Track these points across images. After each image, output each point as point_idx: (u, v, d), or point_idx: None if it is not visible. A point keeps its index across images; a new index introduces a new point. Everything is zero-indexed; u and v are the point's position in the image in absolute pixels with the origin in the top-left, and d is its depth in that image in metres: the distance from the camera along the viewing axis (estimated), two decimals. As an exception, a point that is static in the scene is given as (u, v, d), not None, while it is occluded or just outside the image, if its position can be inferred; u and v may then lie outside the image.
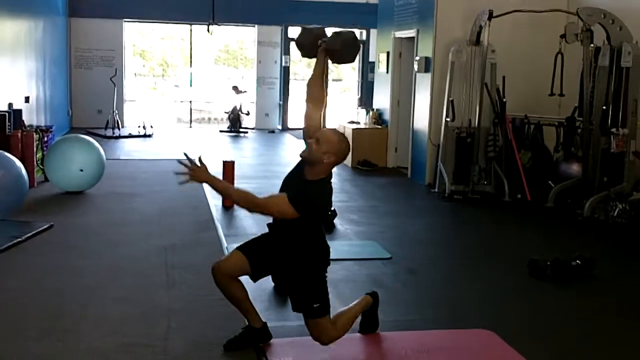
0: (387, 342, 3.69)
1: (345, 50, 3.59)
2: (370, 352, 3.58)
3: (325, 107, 3.62)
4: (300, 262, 3.38)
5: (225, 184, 3.43)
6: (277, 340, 3.59)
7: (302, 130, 3.55)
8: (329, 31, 3.68)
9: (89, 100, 13.77)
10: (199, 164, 3.22)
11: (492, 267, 5.35)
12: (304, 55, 3.81)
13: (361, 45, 3.64)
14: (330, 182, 3.38)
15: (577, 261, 4.94)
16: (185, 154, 3.24)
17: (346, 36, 3.61)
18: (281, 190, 3.36)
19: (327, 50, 3.56)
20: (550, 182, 7.71)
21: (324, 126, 3.55)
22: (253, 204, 3.26)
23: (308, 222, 3.29)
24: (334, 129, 3.46)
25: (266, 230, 3.54)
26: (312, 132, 3.38)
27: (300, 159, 3.40)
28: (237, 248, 3.49)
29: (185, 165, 3.17)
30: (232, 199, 3.42)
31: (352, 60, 3.84)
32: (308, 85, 3.57)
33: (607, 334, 4.02)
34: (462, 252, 5.86)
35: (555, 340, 3.88)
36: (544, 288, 4.78)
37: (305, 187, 3.28)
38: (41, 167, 7.75)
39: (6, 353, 3.35)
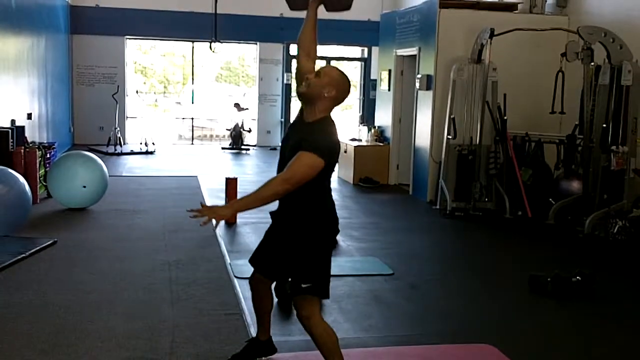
0: (389, 357, 3.71)
1: None
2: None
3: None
4: (303, 233, 3.12)
5: (246, 197, 3.00)
6: (281, 355, 3.61)
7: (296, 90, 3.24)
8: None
9: (90, 117, 13.84)
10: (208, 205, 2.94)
11: (493, 283, 5.38)
12: (292, 8, 3.52)
13: None
14: (333, 121, 3.10)
15: (578, 277, 4.96)
16: (200, 203, 2.96)
17: None
18: (281, 155, 3.14)
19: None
20: (550, 199, 7.75)
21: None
22: (282, 181, 2.92)
23: (320, 176, 2.97)
24: (335, 66, 3.19)
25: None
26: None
27: (292, 122, 3.22)
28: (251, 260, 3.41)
29: (201, 215, 2.86)
30: (266, 197, 2.94)
31: (349, 7, 3.45)
32: (300, 38, 3.33)
33: (607, 348, 4.05)
34: (463, 268, 5.88)
35: (555, 355, 3.90)
36: (545, 304, 4.81)
37: (314, 130, 3.00)
38: (44, 183, 7.80)
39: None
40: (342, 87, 3.10)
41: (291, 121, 3.46)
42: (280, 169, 3.11)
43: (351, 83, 3.14)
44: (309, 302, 3.10)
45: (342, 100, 3.12)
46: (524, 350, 3.90)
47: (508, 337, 4.13)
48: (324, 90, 3.03)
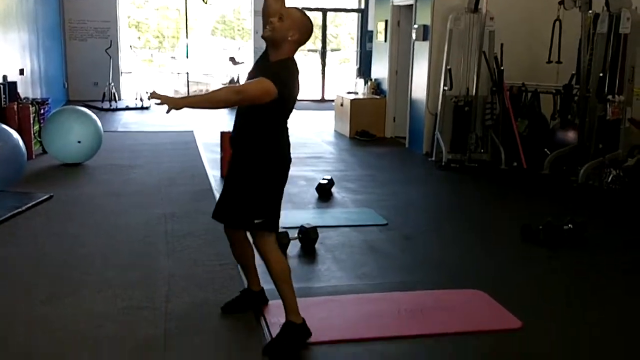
0: (382, 303, 3.76)
1: None
2: (366, 311, 3.64)
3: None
4: (254, 169, 3.19)
5: (201, 95, 3.16)
6: (276, 302, 3.64)
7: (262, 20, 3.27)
8: None
9: (85, 73, 13.73)
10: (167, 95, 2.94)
11: (486, 232, 5.41)
12: None
13: None
14: (296, 63, 3.20)
15: (569, 225, 4.99)
16: (153, 91, 2.92)
17: None
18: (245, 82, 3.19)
19: None
20: (546, 149, 7.76)
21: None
22: (234, 92, 3.04)
23: (275, 110, 3.10)
24: (295, 7, 3.22)
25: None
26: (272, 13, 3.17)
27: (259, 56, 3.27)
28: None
29: (157, 98, 2.88)
30: (215, 99, 3.02)
31: None
32: None
33: (597, 294, 4.09)
34: (457, 218, 5.92)
35: (545, 300, 3.95)
36: (537, 251, 4.85)
37: (276, 66, 3.11)
38: (39, 139, 7.78)
39: (14, 316, 3.42)
40: (304, 30, 3.17)
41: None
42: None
43: (313, 24, 3.22)
44: (263, 236, 3.24)
45: (305, 42, 3.21)
46: (514, 296, 3.95)
47: (498, 283, 4.17)
48: (287, 33, 3.10)
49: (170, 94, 3.01)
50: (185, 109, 2.95)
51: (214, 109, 3.13)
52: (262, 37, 3.16)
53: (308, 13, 3.31)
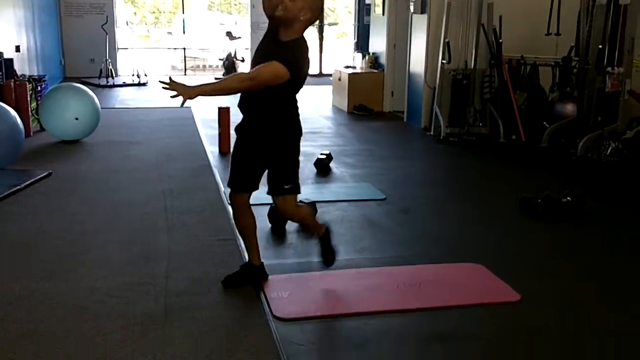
0: (381, 276, 3.78)
1: None
2: (364, 285, 3.66)
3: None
4: (275, 141, 3.36)
5: (213, 83, 3.24)
6: (275, 277, 3.68)
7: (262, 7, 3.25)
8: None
9: (81, 49, 13.66)
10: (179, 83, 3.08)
11: (485, 206, 5.43)
12: None
13: None
14: (306, 41, 3.27)
15: (568, 198, 5.00)
16: (170, 79, 3.09)
17: None
18: (253, 63, 3.23)
19: None
20: (545, 122, 7.75)
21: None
22: (247, 78, 3.14)
23: (284, 90, 3.20)
24: None
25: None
26: None
27: (266, 30, 3.30)
28: (233, 189, 3.51)
29: (171, 88, 3.03)
30: (228, 87, 3.19)
31: None
32: None
33: (596, 266, 4.11)
34: (456, 192, 5.93)
35: (543, 272, 3.97)
36: (535, 225, 4.87)
37: (289, 47, 3.16)
38: (36, 116, 7.76)
39: (13, 292, 3.43)
40: (315, 8, 3.22)
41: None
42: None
43: (324, 2, 3.27)
44: (290, 199, 3.45)
45: (315, 21, 3.30)
46: (512, 269, 3.96)
47: (497, 256, 4.19)
48: (300, 13, 3.14)
49: (170, 72, 3.01)
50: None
51: (227, 95, 3.27)
52: (273, 15, 3.16)
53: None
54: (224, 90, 3.25)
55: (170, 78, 2.99)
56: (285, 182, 3.40)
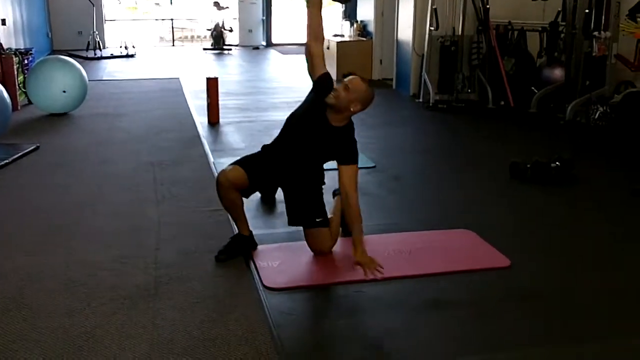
0: (371, 244, 3.77)
1: None
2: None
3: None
4: (308, 184, 3.63)
5: (357, 233, 3.43)
6: (265, 246, 3.70)
7: (307, 71, 3.57)
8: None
9: (68, 22, 13.50)
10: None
11: (474, 171, 5.45)
12: None
13: None
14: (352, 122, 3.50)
15: (557, 163, 5.03)
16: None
17: None
18: (288, 124, 3.55)
19: None
20: (533, 87, 7.75)
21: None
22: (357, 197, 3.45)
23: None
24: (362, 77, 3.45)
25: (252, 144, 3.62)
26: (317, 69, 3.46)
27: (308, 94, 3.52)
28: (237, 163, 3.58)
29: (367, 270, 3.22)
30: (358, 210, 3.47)
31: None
32: (307, 24, 3.51)
33: (585, 229, 4.16)
34: (446, 159, 5.95)
35: (533, 237, 4.01)
36: (524, 189, 4.90)
37: (344, 137, 3.43)
38: (23, 90, 7.70)
39: (3, 267, 3.43)
40: (367, 101, 3.43)
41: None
42: (284, 139, 3.59)
43: (374, 91, 3.48)
44: (322, 232, 3.60)
45: (364, 109, 3.47)
46: (502, 234, 4.00)
47: (487, 221, 4.22)
48: (350, 104, 3.36)
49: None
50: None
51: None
52: (326, 102, 3.35)
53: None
54: (360, 214, 3.47)
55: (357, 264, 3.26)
56: (316, 216, 3.57)
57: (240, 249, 3.61)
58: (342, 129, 3.45)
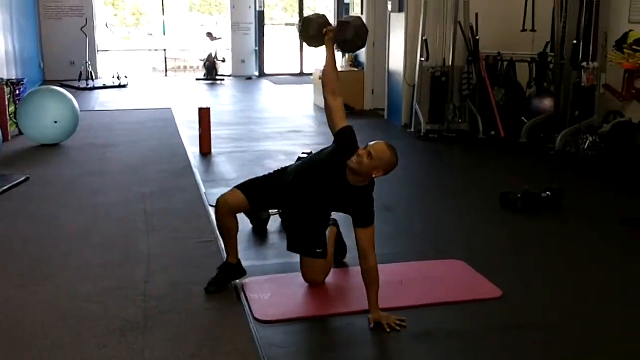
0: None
1: (356, 37, 3.56)
2: (347, 284, 3.68)
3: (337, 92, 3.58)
4: (314, 220, 3.62)
5: (372, 295, 3.29)
6: (256, 278, 3.69)
7: (327, 125, 3.58)
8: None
9: (60, 52, 13.54)
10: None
11: (465, 201, 5.46)
12: (309, 45, 3.78)
13: (368, 30, 3.67)
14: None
15: (547, 192, 5.05)
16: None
17: (355, 23, 3.56)
18: (306, 168, 3.52)
19: (337, 40, 3.55)
20: (523, 117, 7.79)
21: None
22: (375, 257, 3.34)
23: None
24: (386, 142, 3.35)
25: (244, 174, 3.63)
26: (337, 122, 3.45)
27: (332, 143, 3.48)
28: (239, 186, 3.58)
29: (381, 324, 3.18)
30: (377, 274, 3.33)
31: (363, 46, 3.78)
32: (323, 79, 3.56)
33: (575, 260, 4.16)
34: (437, 188, 5.96)
35: (524, 267, 4.01)
36: (515, 219, 4.91)
37: (363, 196, 3.36)
38: (14, 120, 7.69)
39: (-10, 299, 3.41)
40: (390, 168, 3.32)
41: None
42: (299, 182, 3.50)
43: (398, 157, 3.34)
44: (319, 263, 3.60)
45: (387, 174, 3.38)
46: (494, 264, 4.00)
47: (478, 251, 4.23)
48: (372, 171, 3.26)
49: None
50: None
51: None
52: (348, 165, 3.27)
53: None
54: (378, 278, 3.32)
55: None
56: (317, 247, 3.59)
57: (229, 278, 3.59)
58: (361, 188, 3.36)
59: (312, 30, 3.62)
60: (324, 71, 3.57)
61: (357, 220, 3.34)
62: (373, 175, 3.29)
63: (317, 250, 3.58)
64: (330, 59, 3.56)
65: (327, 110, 3.53)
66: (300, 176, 3.52)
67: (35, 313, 3.26)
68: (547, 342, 3.08)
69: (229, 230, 3.56)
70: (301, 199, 3.52)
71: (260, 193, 3.56)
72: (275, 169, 3.77)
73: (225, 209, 3.49)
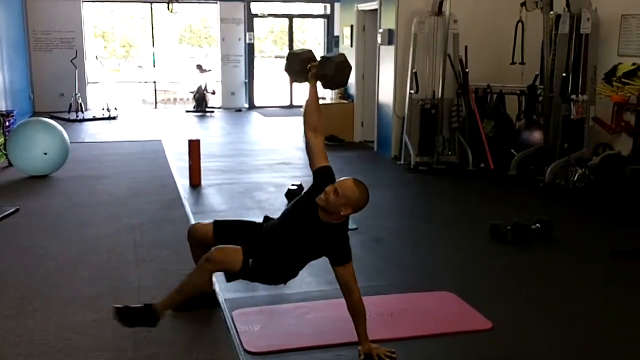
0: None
1: (337, 74, 3.50)
2: (336, 316, 3.64)
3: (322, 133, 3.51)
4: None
5: (361, 329, 3.26)
6: (246, 309, 3.66)
7: (309, 165, 3.49)
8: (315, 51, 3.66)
9: (50, 84, 13.57)
10: None
11: (455, 233, 5.46)
12: (293, 81, 3.75)
13: (351, 67, 3.65)
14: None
15: (537, 224, 5.07)
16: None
17: (337, 60, 3.51)
18: (288, 211, 3.45)
19: (319, 76, 3.48)
20: (512, 150, 7.85)
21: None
22: (360, 296, 3.29)
23: None
24: (355, 179, 3.26)
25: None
26: (316, 161, 3.38)
27: (311, 185, 3.40)
28: (215, 221, 3.61)
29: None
30: (363, 312, 3.29)
31: (345, 84, 3.73)
32: (304, 116, 3.49)
33: (565, 291, 4.15)
34: (426, 220, 5.97)
35: (514, 299, 4.01)
36: (505, 251, 4.92)
37: (336, 235, 3.30)
38: (4, 152, 7.67)
39: (-24, 333, 3.37)
40: (359, 206, 3.24)
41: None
42: (280, 224, 3.45)
43: (369, 195, 3.26)
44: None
45: (356, 212, 3.31)
46: (484, 296, 3.99)
47: (468, 283, 4.22)
48: (340, 209, 3.18)
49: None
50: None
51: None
52: (316, 201, 3.22)
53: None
54: (364, 312, 3.29)
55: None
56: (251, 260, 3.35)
57: (200, 304, 3.60)
58: (334, 226, 3.27)
59: (297, 65, 3.58)
60: (305, 108, 3.50)
61: (334, 260, 3.28)
62: (341, 213, 3.19)
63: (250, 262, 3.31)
64: (313, 96, 3.49)
65: (308, 148, 3.45)
66: (283, 218, 3.47)
67: (22, 345, 3.22)
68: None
69: (197, 260, 3.56)
70: (277, 240, 3.40)
71: (229, 231, 3.54)
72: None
73: (192, 239, 3.60)
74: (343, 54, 3.63)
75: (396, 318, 3.63)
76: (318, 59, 3.56)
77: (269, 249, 3.37)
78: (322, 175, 3.36)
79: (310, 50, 3.66)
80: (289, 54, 3.73)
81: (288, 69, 3.65)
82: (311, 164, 3.42)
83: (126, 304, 3.25)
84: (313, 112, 3.45)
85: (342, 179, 3.24)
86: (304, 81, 3.59)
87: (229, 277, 3.36)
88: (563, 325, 3.61)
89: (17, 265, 4.44)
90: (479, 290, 4.09)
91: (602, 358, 3.24)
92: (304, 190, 3.54)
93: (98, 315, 3.59)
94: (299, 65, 3.57)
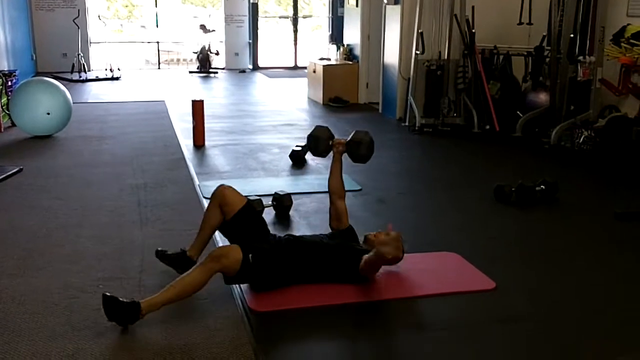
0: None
1: (368, 154, 3.95)
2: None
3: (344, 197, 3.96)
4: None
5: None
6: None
7: (329, 220, 3.89)
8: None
9: (53, 44, 13.49)
10: None
11: (460, 195, 5.45)
12: (315, 155, 4.16)
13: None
14: None
15: (542, 186, 5.05)
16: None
17: (365, 140, 3.91)
18: (327, 245, 3.57)
19: (350, 155, 3.93)
20: (518, 112, 7.80)
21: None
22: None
23: None
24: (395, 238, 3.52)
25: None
26: (344, 222, 3.81)
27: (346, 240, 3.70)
28: (248, 200, 3.69)
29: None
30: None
31: (368, 159, 4.02)
32: (329, 186, 3.92)
33: (569, 253, 4.15)
34: (431, 182, 5.95)
35: (518, 260, 4.01)
36: (509, 212, 4.90)
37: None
38: (7, 112, 7.65)
39: (-18, 290, 3.38)
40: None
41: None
42: (316, 247, 3.55)
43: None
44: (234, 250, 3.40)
45: None
46: (487, 257, 3.99)
47: (472, 244, 4.22)
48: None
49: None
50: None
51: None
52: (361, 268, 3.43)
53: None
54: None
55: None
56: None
57: (177, 264, 3.58)
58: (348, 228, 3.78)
59: (322, 147, 3.98)
60: (330, 182, 3.91)
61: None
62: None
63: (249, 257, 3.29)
64: (337, 171, 3.91)
65: (334, 210, 3.85)
66: (312, 242, 3.58)
67: (27, 304, 3.23)
68: (539, 334, 3.07)
69: (207, 220, 3.61)
70: (300, 253, 3.47)
71: (252, 219, 3.61)
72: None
73: (218, 199, 3.56)
74: (368, 133, 4.00)
75: (401, 278, 3.64)
76: (341, 137, 4.00)
77: (284, 255, 3.42)
78: (351, 234, 3.79)
79: (327, 128, 4.04)
80: (310, 138, 4.04)
81: (315, 152, 4.06)
82: (336, 224, 3.82)
83: (115, 295, 3.05)
84: (337, 182, 3.92)
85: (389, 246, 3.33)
86: (326, 155, 4.06)
87: (228, 280, 3.34)
88: (565, 287, 3.62)
89: (21, 225, 4.44)
90: (482, 251, 4.09)
91: (604, 320, 3.24)
92: (325, 239, 3.65)
93: (102, 274, 3.60)
94: (323, 145, 3.98)
